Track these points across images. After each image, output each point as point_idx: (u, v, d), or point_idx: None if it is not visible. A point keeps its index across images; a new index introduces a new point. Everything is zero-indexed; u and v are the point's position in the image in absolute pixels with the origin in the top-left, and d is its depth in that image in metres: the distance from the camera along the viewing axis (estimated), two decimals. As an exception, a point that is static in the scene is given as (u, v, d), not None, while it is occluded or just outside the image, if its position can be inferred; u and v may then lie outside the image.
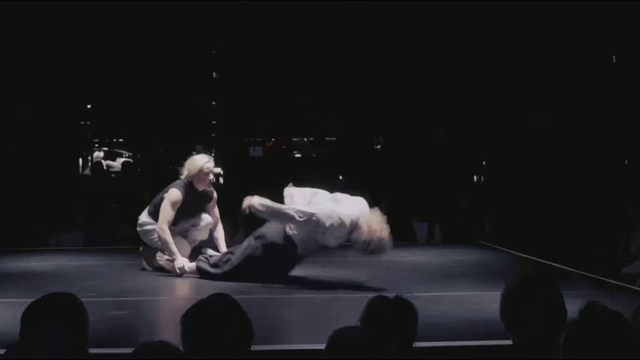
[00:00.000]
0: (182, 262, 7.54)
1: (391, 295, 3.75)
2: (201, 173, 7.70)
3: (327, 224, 6.72)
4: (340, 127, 14.30)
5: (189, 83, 13.70)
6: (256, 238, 7.29)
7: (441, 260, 8.54)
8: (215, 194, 7.96)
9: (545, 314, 3.23)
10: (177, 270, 7.51)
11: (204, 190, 7.83)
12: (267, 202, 7.02)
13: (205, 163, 7.75)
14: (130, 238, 10.98)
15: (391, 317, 3.55)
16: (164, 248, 7.64)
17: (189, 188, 7.71)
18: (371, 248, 6.61)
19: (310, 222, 6.78)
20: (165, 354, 2.85)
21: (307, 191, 7.19)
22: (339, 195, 7.12)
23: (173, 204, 7.59)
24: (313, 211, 6.80)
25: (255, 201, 7.01)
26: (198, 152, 14.39)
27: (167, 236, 7.54)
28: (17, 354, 2.64)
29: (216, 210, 8.01)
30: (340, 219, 6.73)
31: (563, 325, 3.04)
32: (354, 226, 6.71)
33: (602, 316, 2.83)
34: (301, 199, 7.03)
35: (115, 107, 13.72)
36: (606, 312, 2.87)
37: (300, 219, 6.83)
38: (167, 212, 7.57)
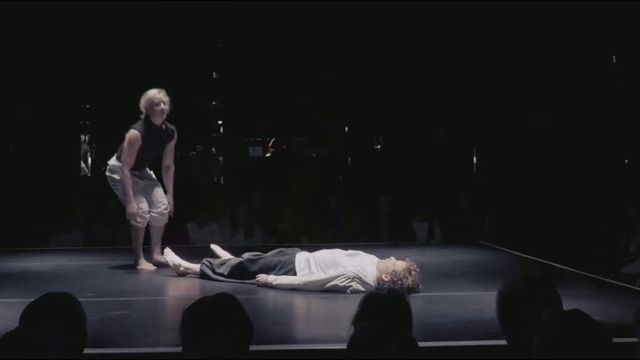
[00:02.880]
0: (134, 208, 7.68)
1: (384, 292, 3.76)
2: (152, 104, 7.75)
3: (351, 286, 6.65)
4: (340, 127, 14.30)
5: (189, 83, 13.69)
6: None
7: (441, 260, 8.53)
8: (176, 134, 8.00)
9: (541, 314, 3.23)
10: (128, 216, 7.73)
11: (163, 126, 7.88)
12: (282, 280, 6.94)
13: (156, 94, 7.79)
14: (130, 238, 11.00)
15: (386, 314, 3.56)
16: (123, 191, 7.73)
17: (147, 125, 7.77)
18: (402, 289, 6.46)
19: (334, 287, 6.72)
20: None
21: (320, 255, 7.05)
22: (353, 251, 7.06)
23: (132, 144, 7.67)
24: (330, 277, 6.73)
25: (270, 280, 6.94)
26: (198, 151, 14.47)
27: (128, 180, 7.67)
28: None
29: (172, 151, 8.07)
30: (364, 274, 6.67)
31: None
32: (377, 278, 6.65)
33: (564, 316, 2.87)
34: (314, 267, 6.93)
35: (115, 107, 13.71)
36: (570, 313, 2.90)
37: (321, 288, 6.76)
38: (127, 154, 7.67)
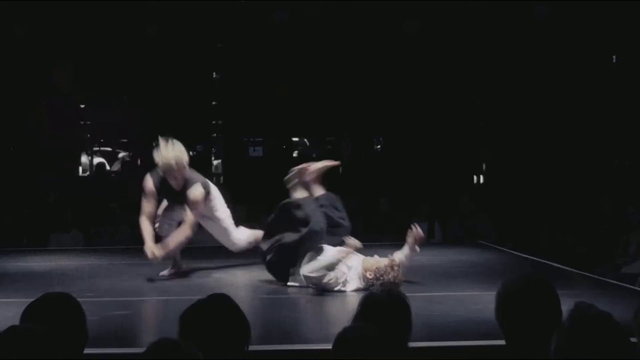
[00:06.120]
0: (151, 249, 7.08)
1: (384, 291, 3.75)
2: (170, 168, 6.98)
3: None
4: (340, 127, 14.30)
5: (189, 83, 13.69)
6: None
7: (441, 260, 8.53)
8: (192, 195, 7.12)
9: (540, 314, 3.22)
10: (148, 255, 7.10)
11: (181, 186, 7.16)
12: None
13: (177, 154, 6.94)
14: (130, 238, 11.00)
15: (384, 314, 3.55)
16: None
17: (163, 178, 7.14)
18: (384, 284, 6.51)
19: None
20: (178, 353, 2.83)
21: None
22: (341, 248, 7.08)
23: (144, 194, 7.19)
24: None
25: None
26: (197, 152, 14.43)
27: (142, 226, 7.14)
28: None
29: (189, 212, 7.18)
30: (349, 274, 6.73)
31: (558, 326, 3.04)
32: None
33: (588, 316, 2.84)
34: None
35: (115, 107, 13.73)
36: (593, 312, 2.87)
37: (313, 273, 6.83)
38: (142, 203, 7.21)
